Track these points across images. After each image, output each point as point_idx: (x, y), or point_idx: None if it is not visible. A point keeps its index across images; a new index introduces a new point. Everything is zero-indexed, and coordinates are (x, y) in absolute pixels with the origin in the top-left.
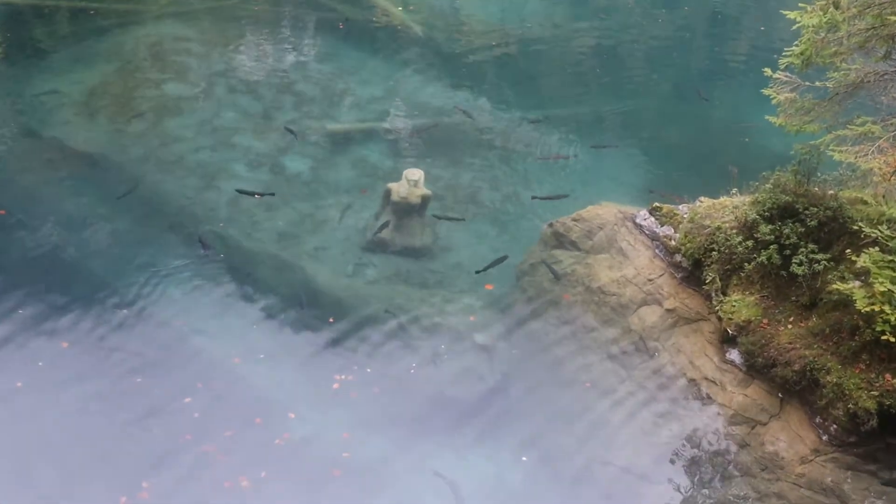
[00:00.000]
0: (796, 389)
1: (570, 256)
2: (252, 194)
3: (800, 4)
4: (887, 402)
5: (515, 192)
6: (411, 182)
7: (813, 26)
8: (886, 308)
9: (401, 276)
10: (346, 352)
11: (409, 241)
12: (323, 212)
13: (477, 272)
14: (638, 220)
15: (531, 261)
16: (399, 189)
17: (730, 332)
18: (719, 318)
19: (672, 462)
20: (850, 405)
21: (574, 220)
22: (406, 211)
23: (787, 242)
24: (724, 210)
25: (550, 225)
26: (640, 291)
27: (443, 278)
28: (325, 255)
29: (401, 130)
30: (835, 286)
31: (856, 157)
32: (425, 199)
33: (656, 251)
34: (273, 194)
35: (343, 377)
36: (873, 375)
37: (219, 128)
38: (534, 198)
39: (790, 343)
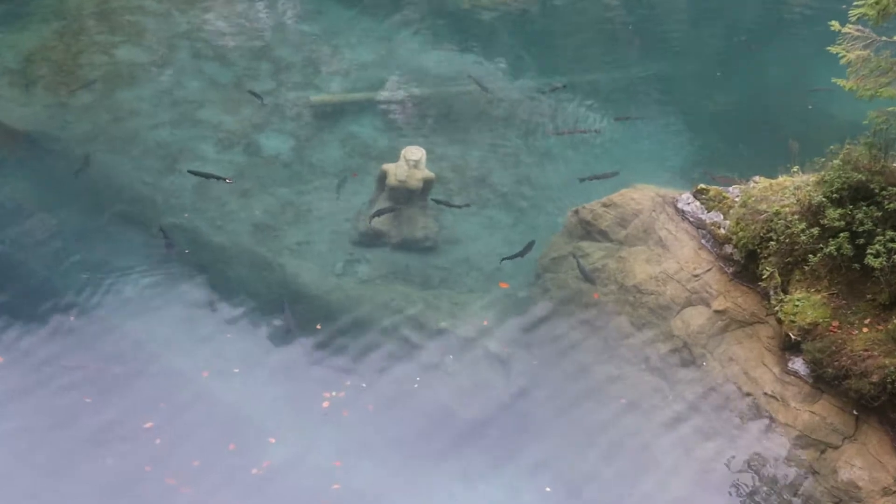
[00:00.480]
0: (875, 405)
1: (599, 249)
2: (208, 177)
3: None
4: None
5: (534, 173)
6: (411, 163)
7: None
8: None
9: (399, 274)
10: (336, 363)
11: (408, 232)
12: (306, 199)
13: (503, 259)
14: (680, 205)
15: (554, 254)
16: (396, 171)
17: (792, 337)
18: (779, 321)
19: (726, 494)
20: None
21: (604, 205)
22: (405, 197)
23: (860, 229)
24: (783, 192)
25: (576, 212)
26: (683, 289)
27: (449, 276)
28: (310, 250)
29: (398, 102)
30: None
31: None
32: (427, 183)
33: (702, 241)
34: (227, 180)
35: (333, 394)
36: None
37: (181, 100)
38: (582, 179)
39: (866, 350)
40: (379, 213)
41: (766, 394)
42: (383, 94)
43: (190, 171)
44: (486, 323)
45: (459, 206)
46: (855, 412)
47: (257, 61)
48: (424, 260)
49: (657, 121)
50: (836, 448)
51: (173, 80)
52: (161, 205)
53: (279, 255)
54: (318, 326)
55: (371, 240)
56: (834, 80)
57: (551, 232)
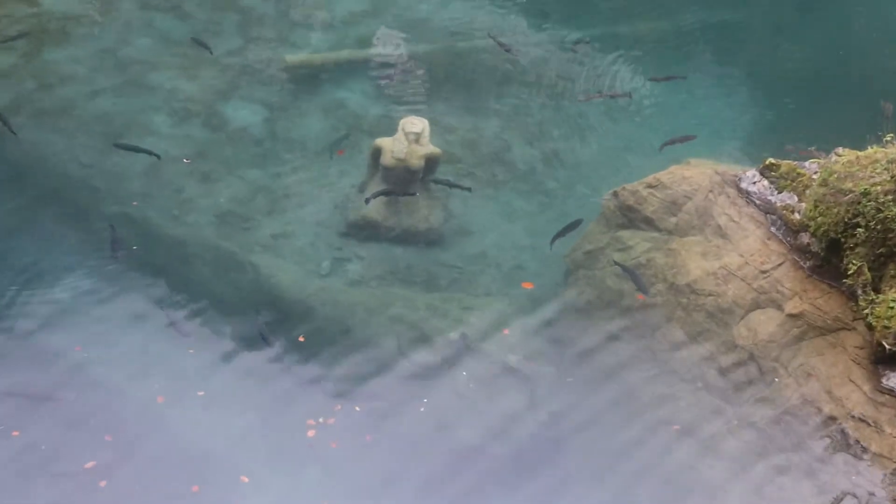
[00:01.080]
0: None
1: (644, 240)
2: (137, 151)
3: None
4: None
5: (562, 147)
6: (411, 136)
7: None
8: None
9: (399, 274)
10: (323, 384)
11: (409, 222)
12: (283, 182)
13: (553, 241)
14: (744, 185)
15: (588, 246)
16: (393, 147)
17: (887, 346)
18: (870, 327)
19: None
20: None
21: (650, 186)
22: (404, 179)
23: None
24: (873, 166)
25: (615, 194)
26: (748, 289)
27: (460, 275)
28: (289, 245)
29: (394, 62)
30: None
31: None
32: (432, 161)
33: (772, 229)
34: (158, 156)
35: (320, 420)
36: None
37: (127, 61)
38: (663, 145)
39: None
40: (377, 195)
41: (854, 417)
42: (376, 53)
43: (116, 145)
44: (506, 332)
45: (462, 188)
46: None
47: (221, 12)
48: (429, 256)
49: (713, 81)
50: None
51: (116, 36)
52: (103, 192)
53: (250, 251)
54: (301, 339)
55: (364, 232)
56: None
57: (586, 219)
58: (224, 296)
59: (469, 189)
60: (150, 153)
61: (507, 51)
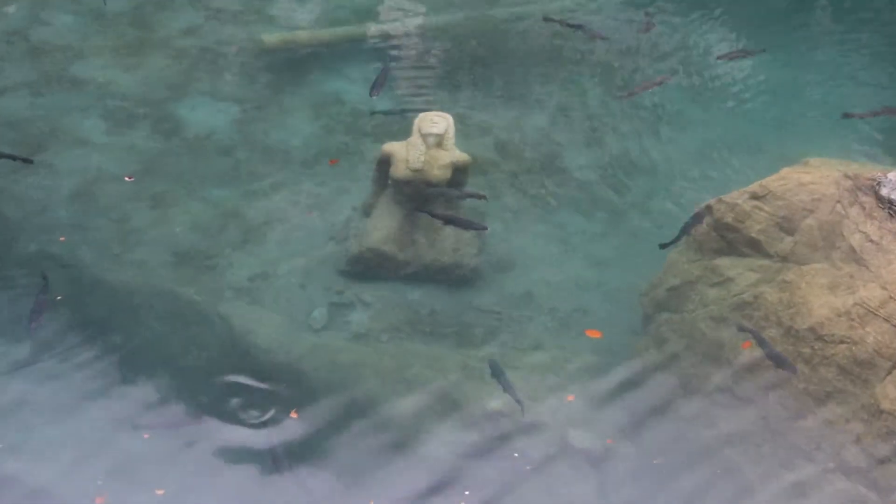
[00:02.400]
0: None
1: (749, 269)
2: (13, 158)
3: None
4: None
5: (633, 149)
6: (431, 139)
7: None
8: None
9: (419, 324)
10: (323, 474)
11: (432, 254)
12: (261, 205)
13: (662, 247)
14: (885, 192)
15: (673, 281)
16: (408, 154)
17: None
18: None
19: None
20: None
21: (754, 197)
22: (422, 196)
23: None
24: None
25: (707, 210)
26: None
27: (500, 324)
28: (270, 289)
29: (404, 40)
30: None
31: None
32: (459, 171)
33: None
34: (29, 161)
35: None
36: None
37: (43, 48)
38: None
39: None
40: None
41: None
42: (378, 29)
43: None
44: (569, 400)
45: (477, 196)
46: None
47: None
48: (460, 299)
49: (836, 52)
50: None
51: (27, 13)
52: (18, 222)
53: (219, 299)
54: (294, 415)
55: (370, 269)
56: None
57: (666, 244)
58: (185, 359)
59: (484, 197)
60: (17, 159)
61: (599, 37)
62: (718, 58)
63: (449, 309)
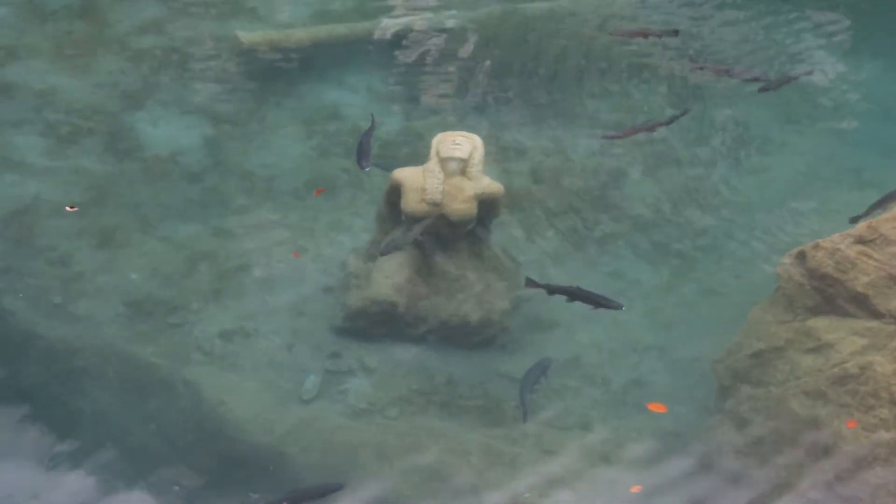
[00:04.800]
0: None
1: (854, 333)
2: None
3: None
4: None
5: (708, 179)
6: (451, 164)
7: None
8: None
9: (434, 395)
10: None
11: (451, 308)
12: (236, 245)
13: (852, 220)
14: None
15: (756, 345)
16: (425, 183)
17: None
18: None
19: None
20: None
21: (860, 241)
22: (440, 235)
23: None
24: None
25: (801, 257)
26: None
27: (538, 396)
28: (249, 350)
29: (419, 40)
30: None
31: None
32: (487, 204)
33: None
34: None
35: None
36: None
37: None
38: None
39: None
40: (393, 247)
41: None
42: (390, 24)
43: None
44: (634, 492)
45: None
46: None
47: None
48: (486, 364)
49: None
50: None
51: None
52: None
53: (185, 362)
54: None
55: (374, 326)
56: None
57: (749, 299)
58: (140, 439)
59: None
60: None
61: (666, 33)
62: (761, 90)
63: (472, 376)
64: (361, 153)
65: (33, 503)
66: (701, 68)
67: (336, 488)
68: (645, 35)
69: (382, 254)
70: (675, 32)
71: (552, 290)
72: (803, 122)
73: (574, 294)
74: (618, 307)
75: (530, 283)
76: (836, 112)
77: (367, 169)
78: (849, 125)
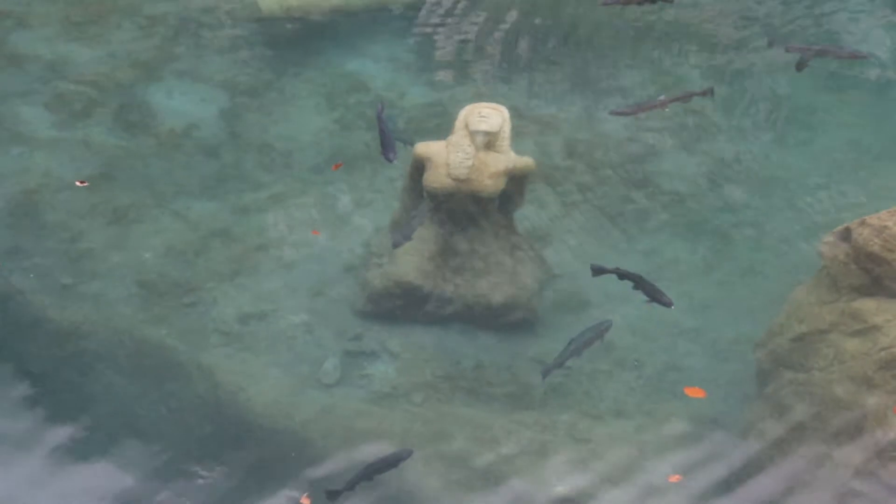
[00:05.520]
0: None
1: None
2: None
3: None
4: None
5: (747, 153)
6: (479, 137)
7: None
8: None
9: (461, 380)
10: None
11: (478, 289)
12: (254, 222)
13: None
14: None
15: (798, 328)
16: (450, 158)
17: None
18: None
19: None
20: None
21: None
22: (466, 213)
23: None
24: None
25: (846, 234)
26: None
27: (568, 380)
28: (267, 333)
29: (445, 8)
30: None
31: None
32: (517, 180)
33: None
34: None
35: None
36: None
37: None
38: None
39: None
40: (406, 237)
41: None
42: None
43: None
44: (672, 481)
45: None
46: None
47: None
48: (513, 347)
49: None
50: None
51: None
52: None
53: (201, 345)
54: (305, 501)
55: (398, 308)
56: None
57: (790, 279)
58: (154, 426)
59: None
60: None
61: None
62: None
63: (500, 360)
64: (386, 145)
65: (43, 492)
66: (798, 50)
67: (406, 455)
68: (640, 2)
69: (394, 247)
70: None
71: (621, 275)
72: (849, 93)
73: (637, 282)
74: (668, 304)
75: (597, 269)
76: (883, 83)
77: (394, 161)
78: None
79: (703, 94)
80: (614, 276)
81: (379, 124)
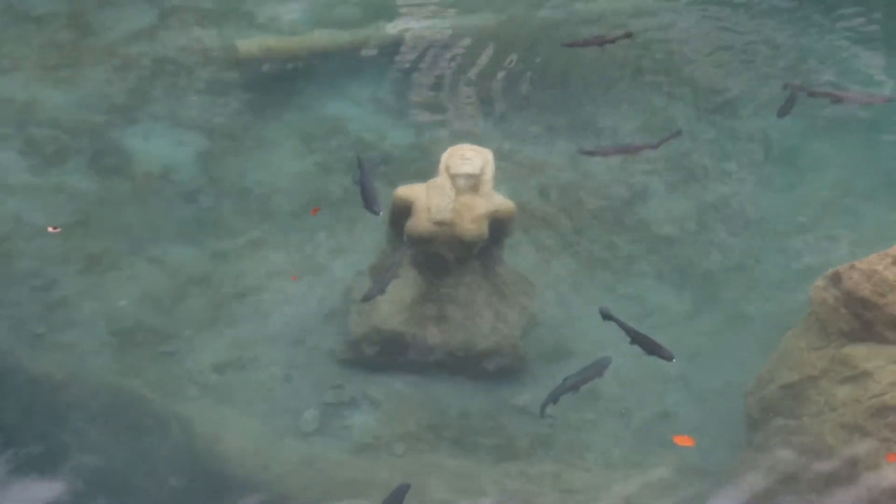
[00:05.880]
0: None
1: (891, 360)
2: None
3: None
4: None
5: (733, 192)
6: (461, 181)
7: None
8: None
9: (444, 430)
10: None
11: (461, 335)
12: (231, 268)
13: None
14: None
15: (789, 375)
16: (431, 202)
17: None
18: None
19: None
20: None
21: None
22: (447, 258)
23: None
24: None
25: (836, 279)
26: None
27: (554, 430)
28: (245, 382)
29: (426, 48)
30: None
31: None
32: (500, 224)
33: None
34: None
35: None
36: None
37: None
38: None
39: None
40: (378, 290)
41: None
42: (397, 32)
43: None
44: None
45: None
46: None
47: None
48: (499, 396)
49: None
50: None
51: None
52: None
53: (177, 396)
54: None
55: (379, 355)
56: None
57: (780, 325)
58: (129, 479)
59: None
60: None
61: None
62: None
63: (484, 409)
64: (368, 198)
65: None
66: (813, 94)
67: (405, 489)
68: (600, 43)
69: (364, 300)
70: (629, 35)
71: (626, 330)
72: (838, 134)
73: (634, 337)
74: (669, 358)
75: (606, 314)
76: (874, 123)
77: (381, 213)
78: (887, 137)
79: (674, 136)
80: (603, 322)
81: (360, 177)
